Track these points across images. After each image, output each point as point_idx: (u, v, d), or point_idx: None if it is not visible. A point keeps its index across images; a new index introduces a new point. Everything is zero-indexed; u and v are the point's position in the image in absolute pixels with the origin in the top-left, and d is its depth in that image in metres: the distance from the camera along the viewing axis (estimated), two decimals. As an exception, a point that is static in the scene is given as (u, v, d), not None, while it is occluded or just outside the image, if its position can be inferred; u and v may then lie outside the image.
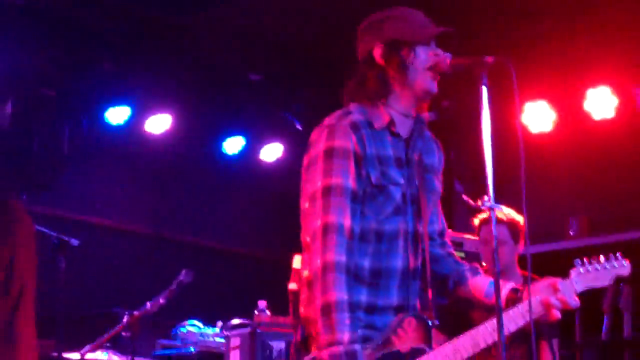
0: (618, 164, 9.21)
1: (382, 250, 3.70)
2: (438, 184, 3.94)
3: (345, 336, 3.48)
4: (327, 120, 3.75)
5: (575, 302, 3.74)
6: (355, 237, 3.62)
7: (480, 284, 3.88)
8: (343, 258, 3.55)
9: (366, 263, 3.67)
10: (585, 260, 3.88)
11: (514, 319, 3.68)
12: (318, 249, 3.57)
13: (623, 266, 3.93)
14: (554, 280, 3.78)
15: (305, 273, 3.64)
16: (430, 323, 3.71)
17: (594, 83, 8.87)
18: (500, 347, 3.37)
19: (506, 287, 3.80)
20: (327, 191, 3.61)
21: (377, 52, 3.79)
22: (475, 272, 3.93)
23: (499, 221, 5.82)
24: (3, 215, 4.77)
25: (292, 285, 3.75)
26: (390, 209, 3.71)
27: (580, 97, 8.97)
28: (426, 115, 3.90)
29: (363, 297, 3.65)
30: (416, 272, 3.79)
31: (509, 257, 5.85)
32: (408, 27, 3.78)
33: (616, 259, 3.91)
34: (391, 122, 3.75)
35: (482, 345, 3.64)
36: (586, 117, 9.03)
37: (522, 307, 3.69)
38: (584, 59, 8.60)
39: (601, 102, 8.92)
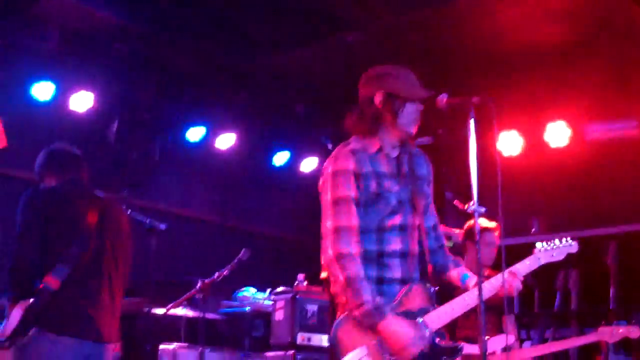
0: (569, 179, 9.18)
1: (384, 239, 3.78)
2: (427, 189, 4.01)
3: (370, 297, 3.56)
4: (334, 152, 3.88)
5: (519, 287, 3.82)
6: (360, 232, 3.70)
7: (456, 274, 3.95)
8: (352, 249, 3.66)
9: (373, 247, 3.76)
10: (545, 242, 3.92)
11: (490, 286, 3.76)
12: (330, 243, 3.68)
13: (572, 246, 3.98)
14: (515, 269, 3.87)
15: (322, 261, 3.74)
16: (432, 289, 3.79)
17: (553, 118, 8.86)
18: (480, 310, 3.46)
19: (474, 279, 3.85)
20: (336, 202, 3.73)
21: (377, 98, 3.86)
22: (456, 265, 4.02)
23: (497, 228, 5.85)
24: (107, 209, 4.81)
25: (323, 274, 3.83)
26: (388, 210, 3.80)
27: (542, 129, 8.97)
28: (425, 138, 3.95)
29: (373, 272, 3.73)
30: (413, 253, 3.86)
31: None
32: (403, 85, 3.86)
33: (567, 241, 3.97)
34: (381, 148, 3.84)
35: (470, 306, 3.72)
36: (546, 144, 9.02)
37: (494, 280, 3.79)
38: (545, 99, 8.59)
39: (558, 134, 8.91)
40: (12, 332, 4.31)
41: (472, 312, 5.61)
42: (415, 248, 3.87)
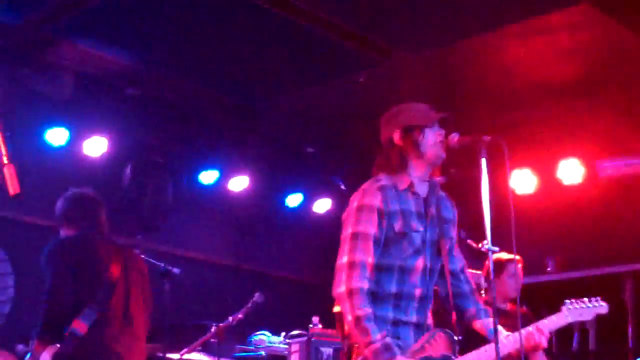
0: (584, 217, 9.12)
1: (405, 280, 3.73)
2: (454, 232, 3.99)
3: (378, 335, 3.52)
4: (363, 185, 3.83)
5: (544, 343, 3.77)
6: (379, 269, 3.66)
7: (486, 324, 3.90)
8: (364, 285, 3.61)
9: (392, 289, 3.71)
10: (573, 300, 3.88)
11: (506, 345, 3.72)
12: (344, 278, 3.63)
13: (602, 306, 3.94)
14: (541, 325, 3.82)
15: (333, 293, 3.70)
16: (455, 338, 3.74)
17: (565, 155, 8.84)
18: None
19: (503, 333, 3.81)
20: (355, 236, 3.69)
21: (396, 136, 3.86)
22: (486, 314, 3.95)
23: (520, 261, 5.97)
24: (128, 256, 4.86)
25: (336, 309, 3.79)
26: (411, 250, 3.75)
27: (555, 166, 8.94)
28: (439, 179, 3.94)
29: (390, 314, 3.69)
30: (430, 297, 3.82)
31: None
32: (416, 115, 3.87)
33: (597, 300, 3.92)
34: (411, 185, 3.80)
35: (491, 358, 3.68)
36: (559, 182, 8.99)
37: (512, 336, 3.75)
38: (557, 136, 8.58)
39: (571, 171, 8.87)
40: None
41: None
42: (430, 292, 3.83)
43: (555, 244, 9.51)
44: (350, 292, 3.59)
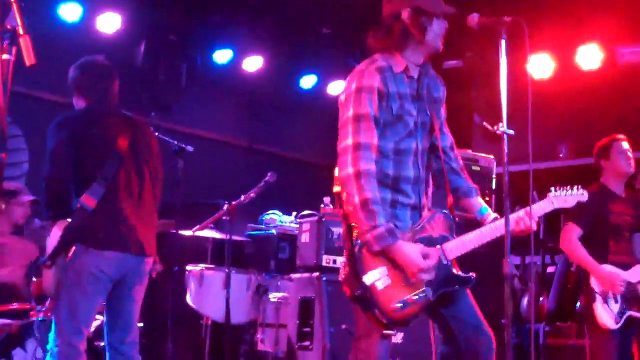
0: (599, 104, 9.04)
1: (400, 162, 3.72)
2: (443, 111, 3.96)
3: (383, 220, 3.52)
4: (359, 66, 3.76)
5: (534, 227, 3.77)
6: (377, 152, 3.64)
7: (476, 204, 3.95)
8: (372, 167, 3.59)
9: (390, 171, 3.70)
10: (558, 187, 3.96)
11: (494, 229, 3.72)
12: (350, 160, 3.59)
13: (583, 194, 4.00)
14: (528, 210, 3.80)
15: (337, 175, 3.68)
16: (453, 219, 3.78)
17: (585, 40, 8.68)
18: (506, 255, 3.41)
19: (490, 216, 3.86)
20: (357, 118, 3.63)
21: (405, 14, 3.75)
22: (477, 193, 3.98)
23: (624, 138, 5.98)
24: (138, 130, 4.81)
25: (336, 188, 3.78)
26: (405, 132, 3.73)
27: (574, 51, 8.79)
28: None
29: (388, 195, 3.69)
30: (423, 178, 3.82)
31: None
32: (429, 1, 3.76)
33: (578, 189, 3.99)
34: (406, 68, 3.75)
35: (488, 239, 3.69)
36: (577, 68, 8.86)
37: (500, 221, 3.72)
38: (577, 20, 8.40)
39: (590, 56, 8.74)
40: (53, 251, 4.38)
41: (625, 240, 5.80)
42: (424, 173, 3.83)
43: (570, 130, 9.46)
44: (358, 174, 3.55)
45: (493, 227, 3.71)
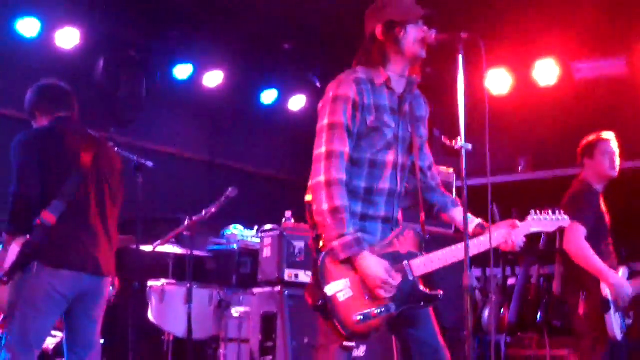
0: (557, 119, 9.16)
1: (375, 175, 3.74)
2: (424, 130, 3.99)
3: (352, 229, 3.54)
4: (339, 76, 3.78)
5: (520, 245, 3.81)
6: (351, 163, 3.66)
7: (456, 214, 3.97)
8: (343, 176, 3.61)
9: (362, 183, 3.72)
10: (538, 210, 3.92)
11: (481, 244, 3.74)
12: (323, 168, 3.61)
13: (565, 220, 3.98)
14: (514, 221, 3.84)
15: (310, 183, 3.68)
16: (423, 236, 3.80)
17: (541, 55, 8.79)
18: (466, 267, 3.44)
19: (474, 222, 3.85)
20: (332, 127, 3.66)
21: (378, 30, 3.80)
22: (455, 204, 4.01)
23: (611, 138, 5.88)
24: (100, 147, 4.80)
25: (307, 197, 3.79)
26: (382, 144, 3.75)
27: (531, 66, 8.91)
28: (416, 76, 3.90)
29: (358, 208, 3.70)
30: (399, 192, 3.83)
31: None
32: (400, 10, 3.79)
33: (560, 213, 3.96)
34: (388, 80, 3.77)
35: (457, 259, 3.70)
36: (534, 83, 8.97)
37: (485, 237, 3.75)
38: (534, 35, 8.51)
39: (546, 72, 8.85)
40: (11, 267, 4.36)
41: (611, 243, 5.65)
42: (401, 187, 3.85)
43: (528, 143, 9.57)
44: (329, 182, 3.58)
45: (460, 247, 3.69)
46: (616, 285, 5.37)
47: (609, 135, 5.89)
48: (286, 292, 6.19)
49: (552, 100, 9.02)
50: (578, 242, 5.46)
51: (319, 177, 3.61)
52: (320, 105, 3.77)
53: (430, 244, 3.81)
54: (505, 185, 9.43)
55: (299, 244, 6.42)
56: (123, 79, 8.50)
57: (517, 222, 3.85)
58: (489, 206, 3.75)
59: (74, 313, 4.54)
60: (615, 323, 5.36)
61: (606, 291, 5.39)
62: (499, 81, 9.12)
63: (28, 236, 4.38)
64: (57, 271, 4.40)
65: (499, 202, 7.57)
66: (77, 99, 4.90)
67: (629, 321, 5.49)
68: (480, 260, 3.84)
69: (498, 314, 7.79)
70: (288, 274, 6.35)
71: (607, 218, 5.74)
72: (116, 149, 5.45)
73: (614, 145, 5.85)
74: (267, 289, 6.41)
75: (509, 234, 3.78)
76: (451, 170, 6.71)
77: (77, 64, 8.01)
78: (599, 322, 5.38)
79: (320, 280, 3.58)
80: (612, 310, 5.37)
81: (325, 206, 3.56)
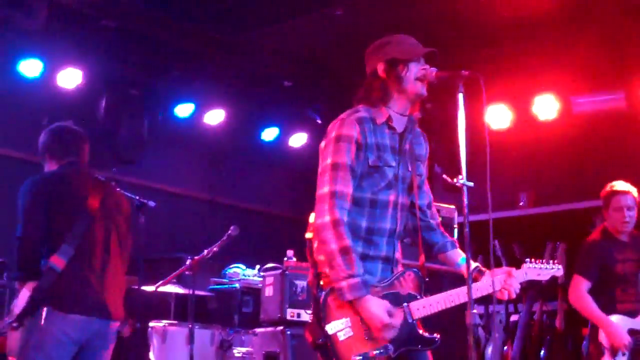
0: (557, 153, 9.17)
1: (376, 214, 3.72)
2: (424, 169, 3.97)
3: (360, 270, 3.52)
4: (341, 115, 3.77)
5: (516, 293, 3.79)
6: (352, 202, 3.65)
7: (454, 256, 3.94)
8: (346, 218, 3.60)
9: (363, 223, 3.70)
10: (533, 259, 3.95)
11: (479, 289, 3.74)
12: (327, 208, 3.59)
13: (559, 270, 4.01)
14: (511, 269, 3.84)
15: (313, 221, 3.66)
16: (423, 279, 3.76)
17: (541, 90, 8.82)
18: (469, 306, 3.43)
19: (472, 267, 3.79)
20: (335, 167, 3.64)
21: (380, 68, 3.79)
22: (453, 246, 3.98)
23: (628, 192, 5.86)
24: (107, 191, 4.80)
25: (308, 235, 3.77)
26: (383, 184, 3.73)
27: (531, 101, 8.93)
28: (417, 114, 3.90)
29: (359, 248, 3.67)
30: (399, 233, 3.82)
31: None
32: (402, 48, 3.79)
33: (555, 264, 4.00)
34: (389, 119, 3.77)
35: (455, 303, 3.69)
36: (534, 118, 8.99)
37: (486, 282, 3.75)
38: (534, 71, 8.54)
39: (546, 106, 8.87)
40: (21, 312, 4.36)
41: (631, 285, 5.73)
42: (401, 227, 3.83)
43: (529, 179, 9.57)
44: (336, 222, 3.56)
45: (459, 291, 3.68)
46: (610, 333, 5.59)
47: (625, 187, 5.94)
48: (288, 332, 6.15)
49: (552, 135, 9.04)
50: (578, 294, 5.78)
51: (324, 217, 3.59)
52: (322, 144, 3.76)
53: (431, 280, 3.78)
54: (507, 221, 9.41)
55: (301, 283, 6.39)
56: (125, 118, 8.54)
57: (514, 271, 3.83)
58: (491, 242, 3.73)
59: (81, 357, 4.51)
60: None
61: (602, 337, 5.64)
62: (499, 116, 9.14)
63: (37, 282, 4.36)
64: (67, 315, 4.38)
65: (500, 237, 7.55)
66: (87, 140, 4.90)
67: None
68: (483, 297, 3.81)
69: (501, 352, 7.74)
70: (290, 313, 6.32)
71: (624, 266, 5.80)
72: (118, 188, 5.44)
73: (631, 197, 5.90)
74: (270, 329, 6.37)
75: (505, 283, 3.76)
76: (453, 206, 6.70)
77: (79, 103, 8.04)
78: None
79: (321, 318, 3.56)
80: (606, 356, 5.58)
81: (334, 246, 3.54)
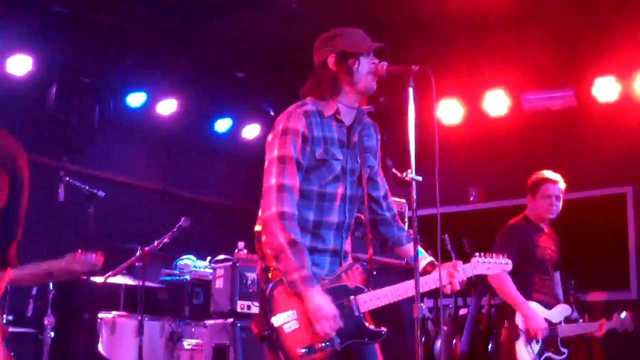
0: (507, 148, 9.28)
1: (323, 207, 3.71)
2: (374, 160, 3.95)
3: (309, 263, 3.52)
4: (288, 109, 3.75)
5: (461, 286, 3.80)
6: (299, 195, 3.64)
7: (409, 250, 3.95)
8: (295, 211, 3.59)
9: (310, 216, 3.69)
10: (482, 253, 3.95)
11: (426, 283, 3.73)
12: (274, 201, 3.57)
13: (507, 264, 4.03)
14: (457, 262, 3.84)
15: (261, 214, 3.63)
16: (371, 272, 3.76)
17: (492, 86, 8.91)
18: (416, 300, 3.42)
19: (426, 260, 3.83)
20: (281, 159, 3.62)
21: (331, 60, 3.77)
22: (409, 240, 3.98)
23: (557, 181, 5.93)
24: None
25: (257, 227, 3.75)
26: (330, 177, 3.72)
27: (481, 97, 9.02)
28: (365, 107, 3.90)
29: (307, 241, 3.65)
30: (348, 225, 3.81)
31: None
32: (353, 41, 3.77)
33: (504, 257, 4.01)
34: (337, 112, 3.76)
35: (403, 296, 3.68)
36: (485, 114, 9.08)
37: (434, 275, 3.74)
38: (485, 66, 8.62)
39: (497, 102, 8.96)
40: None
41: (549, 277, 5.81)
42: (350, 220, 3.83)
43: (479, 174, 9.66)
44: (282, 215, 3.55)
45: (406, 285, 3.68)
46: (529, 317, 5.58)
47: (555, 177, 5.99)
48: (238, 324, 6.13)
49: (502, 131, 9.14)
50: (498, 276, 5.61)
51: (270, 209, 3.58)
52: (269, 137, 3.74)
53: (381, 273, 3.79)
54: (457, 215, 9.50)
55: (252, 275, 6.38)
56: (75, 106, 8.43)
57: (460, 265, 3.84)
58: (439, 236, 3.75)
59: None
60: (525, 352, 5.55)
61: (519, 321, 5.61)
62: (450, 112, 9.22)
63: None
64: None
65: (450, 231, 7.61)
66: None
67: (553, 355, 5.61)
68: (432, 290, 3.82)
69: (450, 345, 7.81)
70: (240, 306, 6.30)
71: (543, 252, 5.84)
72: (67, 178, 5.37)
73: (559, 187, 5.96)
74: (220, 321, 6.34)
75: (450, 276, 3.77)
76: (403, 200, 6.74)
77: (29, 91, 7.92)
78: (511, 351, 5.60)
79: (267, 310, 3.55)
80: (522, 340, 5.57)
81: (282, 239, 3.52)
